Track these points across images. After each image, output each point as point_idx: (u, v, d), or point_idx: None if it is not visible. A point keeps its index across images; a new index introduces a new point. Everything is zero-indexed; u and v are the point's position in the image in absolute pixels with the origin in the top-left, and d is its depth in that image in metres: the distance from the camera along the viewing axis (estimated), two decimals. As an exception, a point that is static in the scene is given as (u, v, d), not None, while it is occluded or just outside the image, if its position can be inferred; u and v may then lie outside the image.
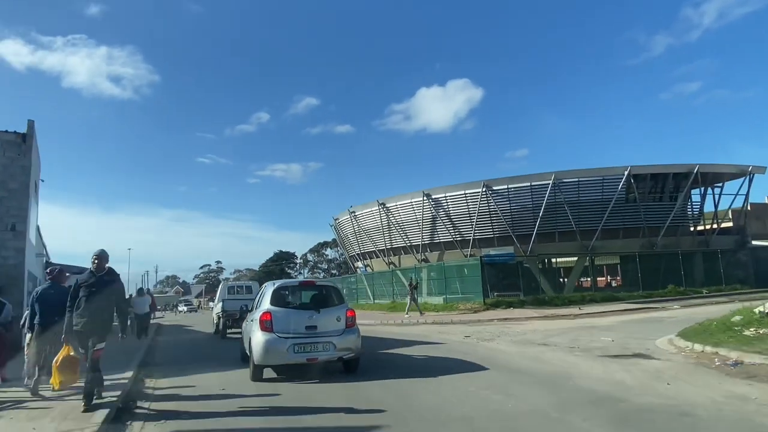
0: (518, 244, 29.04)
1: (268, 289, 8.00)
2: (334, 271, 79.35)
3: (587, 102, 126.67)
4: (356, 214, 38.64)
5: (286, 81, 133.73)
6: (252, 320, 7.88)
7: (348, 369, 7.66)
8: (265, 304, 7.59)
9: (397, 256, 36.48)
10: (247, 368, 7.68)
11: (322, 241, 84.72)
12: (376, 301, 31.63)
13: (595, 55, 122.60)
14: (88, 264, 6.27)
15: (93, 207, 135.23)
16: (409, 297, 21.29)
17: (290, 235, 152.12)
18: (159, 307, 65.59)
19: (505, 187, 29.54)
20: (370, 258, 39.88)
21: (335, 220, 43.73)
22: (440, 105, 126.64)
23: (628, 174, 28.27)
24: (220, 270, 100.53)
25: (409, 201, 33.58)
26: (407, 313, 20.54)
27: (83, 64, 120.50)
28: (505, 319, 17.73)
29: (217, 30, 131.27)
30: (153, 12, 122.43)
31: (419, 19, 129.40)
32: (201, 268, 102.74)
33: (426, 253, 33.69)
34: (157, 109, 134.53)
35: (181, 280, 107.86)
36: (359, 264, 42.60)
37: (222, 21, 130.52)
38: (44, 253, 19.46)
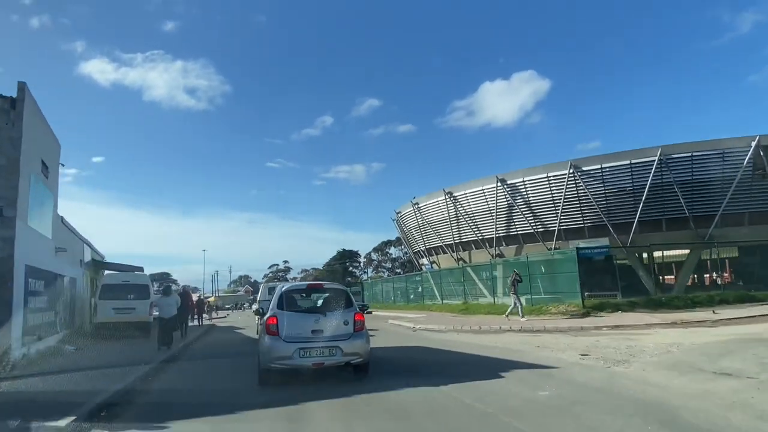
0: (614, 234, 24.30)
1: (277, 292, 7.75)
2: (398, 270, 77.08)
3: (666, 89, 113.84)
4: (420, 205, 35.21)
5: (349, 83, 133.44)
6: (261, 323, 7.79)
7: (357, 372, 7.39)
8: (273, 308, 7.38)
9: (467, 252, 32.63)
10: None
11: (386, 239, 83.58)
12: (444, 301, 28.28)
13: (673, 36, 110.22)
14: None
15: (172, 212, 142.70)
16: (513, 297, 17.47)
17: (355, 234, 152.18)
18: (228, 306, 66.27)
19: (598, 166, 24.67)
20: (436, 254, 36.30)
21: (397, 213, 40.64)
22: (505, 99, 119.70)
23: (757, 145, 22.64)
24: (288, 269, 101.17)
25: (480, 188, 29.58)
26: (522, 317, 16.62)
27: (161, 78, 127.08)
28: (617, 326, 13.66)
29: (281, 39, 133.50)
30: (222, 25, 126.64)
31: (481, 14, 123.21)
32: (269, 267, 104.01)
33: (501, 248, 29.56)
34: (229, 118, 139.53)
35: (252, 280, 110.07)
36: (424, 261, 39.15)
37: (285, 29, 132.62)
38: (82, 250, 17.96)
